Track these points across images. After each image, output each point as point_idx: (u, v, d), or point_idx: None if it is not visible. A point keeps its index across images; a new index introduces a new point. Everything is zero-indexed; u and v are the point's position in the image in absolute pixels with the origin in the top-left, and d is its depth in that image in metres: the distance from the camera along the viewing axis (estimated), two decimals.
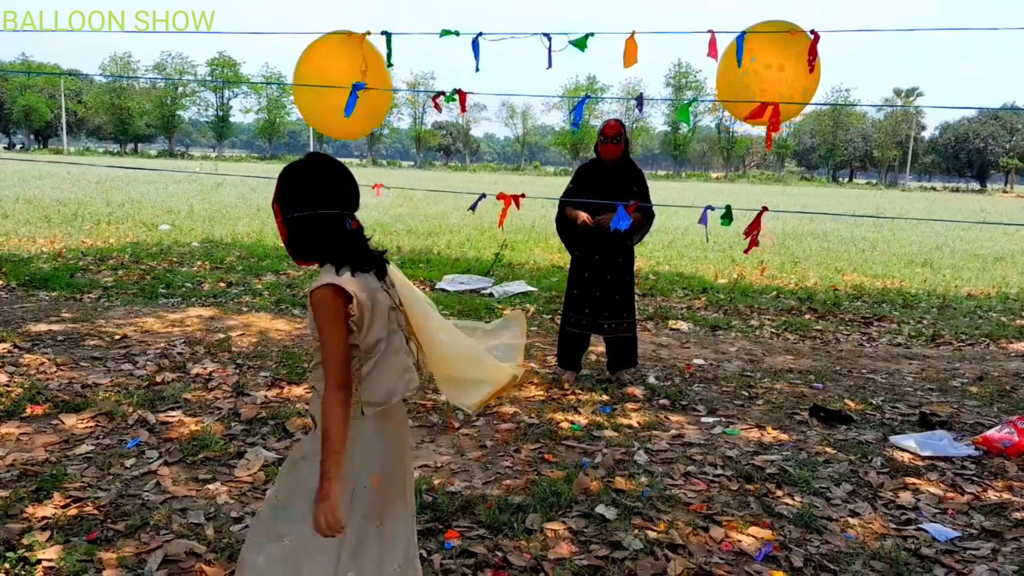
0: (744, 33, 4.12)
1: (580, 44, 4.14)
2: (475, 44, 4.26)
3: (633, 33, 4.17)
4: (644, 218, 5.07)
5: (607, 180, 5.02)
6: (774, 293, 9.16)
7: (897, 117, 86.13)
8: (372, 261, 1.99)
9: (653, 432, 4.25)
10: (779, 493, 3.52)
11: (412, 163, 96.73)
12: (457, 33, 4.40)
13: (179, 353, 5.42)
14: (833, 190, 65.19)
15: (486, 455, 3.82)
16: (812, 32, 4.01)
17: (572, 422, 4.34)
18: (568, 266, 5.33)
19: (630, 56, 4.04)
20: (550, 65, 4.19)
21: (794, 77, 3.62)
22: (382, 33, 4.57)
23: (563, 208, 5.15)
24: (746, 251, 3.99)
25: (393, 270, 2.10)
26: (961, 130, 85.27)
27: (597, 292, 5.06)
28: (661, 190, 41.44)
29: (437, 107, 4.46)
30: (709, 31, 4.10)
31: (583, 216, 4.91)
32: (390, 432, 2.07)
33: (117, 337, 5.79)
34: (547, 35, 4.22)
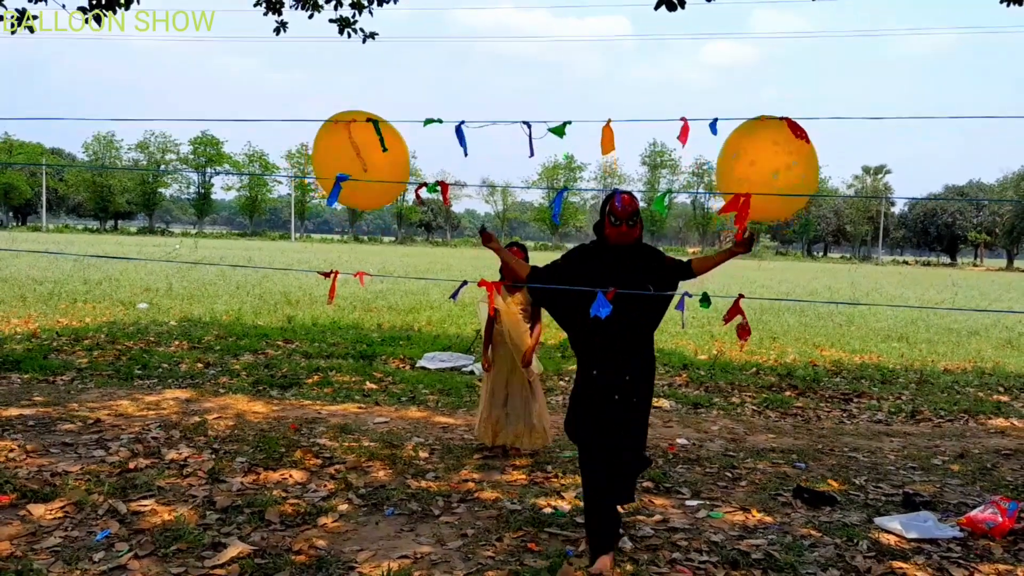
0: (716, 120, 4.26)
1: (558, 131, 4.25)
2: (459, 131, 4.35)
3: (609, 121, 4.30)
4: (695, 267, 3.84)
5: (619, 265, 3.65)
6: (754, 369, 9.20)
7: (867, 192, 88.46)
8: None
9: (637, 517, 4.19)
10: None
11: (393, 238, 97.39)
12: (440, 121, 4.50)
13: (154, 438, 5.31)
14: (809, 264, 66.29)
15: (467, 544, 3.74)
16: (783, 118, 4.15)
17: (555, 507, 4.27)
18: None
19: (607, 144, 4.15)
20: (532, 154, 4.27)
21: (804, 171, 3.68)
22: (368, 120, 4.66)
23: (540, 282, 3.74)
24: (741, 339, 3.83)
25: None
26: (930, 206, 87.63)
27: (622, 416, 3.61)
28: None
29: (419, 201, 4.53)
30: (682, 118, 4.23)
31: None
32: None
33: (90, 421, 5.68)
34: (527, 123, 4.33)
